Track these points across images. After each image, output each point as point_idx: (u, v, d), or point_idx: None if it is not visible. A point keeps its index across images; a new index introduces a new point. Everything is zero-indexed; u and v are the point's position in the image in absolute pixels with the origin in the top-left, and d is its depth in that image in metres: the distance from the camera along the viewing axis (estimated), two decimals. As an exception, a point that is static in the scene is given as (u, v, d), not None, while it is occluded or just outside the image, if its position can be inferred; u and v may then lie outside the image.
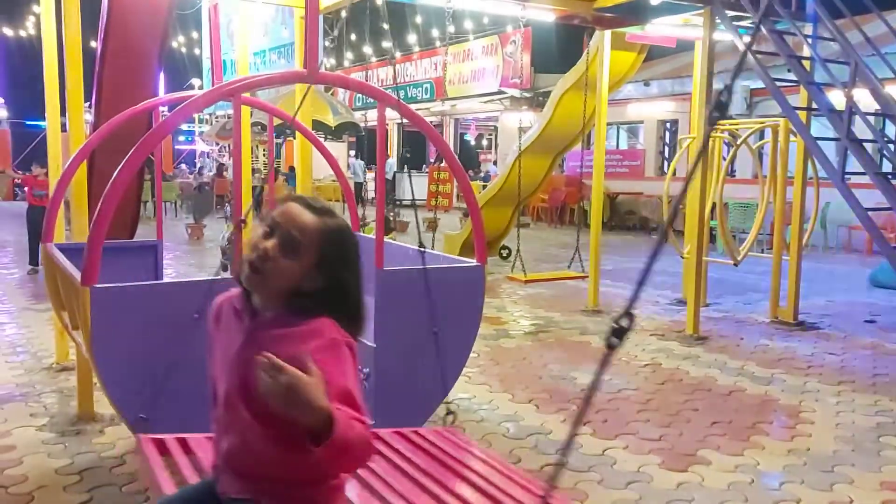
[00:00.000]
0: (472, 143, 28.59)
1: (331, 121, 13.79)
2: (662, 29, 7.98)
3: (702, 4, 6.73)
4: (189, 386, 2.84)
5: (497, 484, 2.20)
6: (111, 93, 5.80)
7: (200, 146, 30.20)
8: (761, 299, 8.36)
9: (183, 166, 27.78)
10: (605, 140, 8.29)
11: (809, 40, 6.46)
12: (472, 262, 3.50)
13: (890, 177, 5.66)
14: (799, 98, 6.77)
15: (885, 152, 6.24)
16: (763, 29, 6.50)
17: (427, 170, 21.92)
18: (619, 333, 1.34)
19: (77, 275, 2.82)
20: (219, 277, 2.90)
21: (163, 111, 5.22)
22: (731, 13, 6.72)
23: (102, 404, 4.55)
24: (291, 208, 1.57)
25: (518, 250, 8.42)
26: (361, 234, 5.01)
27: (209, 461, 1.92)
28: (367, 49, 23.16)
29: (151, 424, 2.78)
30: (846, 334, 7.01)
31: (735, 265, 7.97)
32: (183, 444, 2.35)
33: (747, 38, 6.88)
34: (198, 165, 25.96)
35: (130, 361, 2.73)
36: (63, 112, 5.07)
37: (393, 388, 3.12)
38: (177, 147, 31.84)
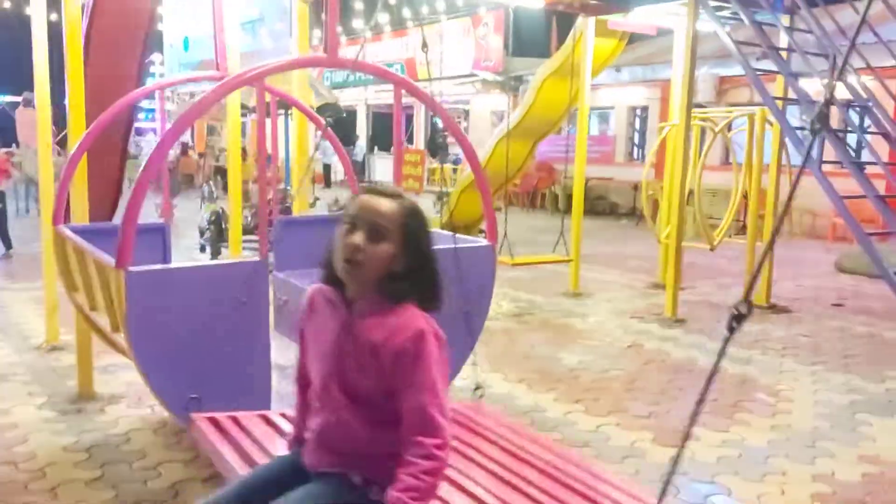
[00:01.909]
0: (442, 126, 28.57)
1: (312, 101, 13.66)
2: (644, 17, 8.11)
3: (686, -7, 6.86)
4: (228, 368, 2.90)
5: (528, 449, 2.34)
6: (95, 76, 5.70)
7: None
8: (733, 283, 8.62)
9: (143, 144, 27.16)
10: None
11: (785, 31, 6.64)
12: (484, 241, 3.58)
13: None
14: (774, 87, 6.95)
15: (863, 142, 6.45)
16: (745, 19, 6.67)
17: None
18: (738, 319, 1.49)
19: (106, 257, 2.83)
20: (257, 259, 2.93)
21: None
22: (713, 3, 6.86)
23: (101, 383, 4.56)
24: (367, 200, 1.66)
25: (505, 234, 8.50)
26: None
27: (267, 437, 1.98)
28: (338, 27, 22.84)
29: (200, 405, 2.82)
30: (816, 317, 7.28)
31: (711, 250, 8.20)
32: (236, 422, 2.39)
33: (728, 28, 7.03)
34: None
35: (169, 344, 2.75)
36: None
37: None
38: (137, 125, 31.16)
